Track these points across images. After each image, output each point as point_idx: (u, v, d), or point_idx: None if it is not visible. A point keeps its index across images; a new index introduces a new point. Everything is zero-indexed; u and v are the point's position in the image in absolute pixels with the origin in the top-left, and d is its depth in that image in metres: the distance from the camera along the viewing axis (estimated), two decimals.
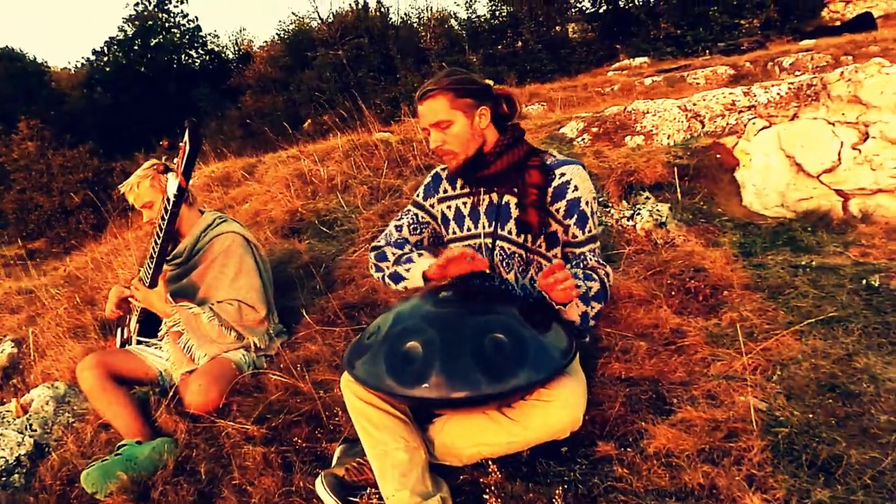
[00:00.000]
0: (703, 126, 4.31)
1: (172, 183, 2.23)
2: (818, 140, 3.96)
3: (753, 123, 4.16)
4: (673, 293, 2.84)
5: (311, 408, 2.33)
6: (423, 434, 1.88)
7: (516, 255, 2.03)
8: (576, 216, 1.96)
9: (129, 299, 2.81)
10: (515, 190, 2.00)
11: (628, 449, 1.97)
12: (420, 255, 2.03)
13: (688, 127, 4.32)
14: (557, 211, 1.97)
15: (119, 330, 3.03)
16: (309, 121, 13.21)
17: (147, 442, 2.35)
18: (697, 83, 8.09)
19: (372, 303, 3.10)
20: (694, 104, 4.37)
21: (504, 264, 2.05)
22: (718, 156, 4.18)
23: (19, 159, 13.09)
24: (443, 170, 2.22)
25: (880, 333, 2.40)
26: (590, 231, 1.98)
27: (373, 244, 2.23)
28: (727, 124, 4.23)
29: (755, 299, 2.73)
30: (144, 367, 2.71)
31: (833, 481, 1.77)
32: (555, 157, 2.05)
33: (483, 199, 2.09)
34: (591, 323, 1.88)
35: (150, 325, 2.84)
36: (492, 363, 1.64)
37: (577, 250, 1.99)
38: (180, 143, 2.14)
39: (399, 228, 2.21)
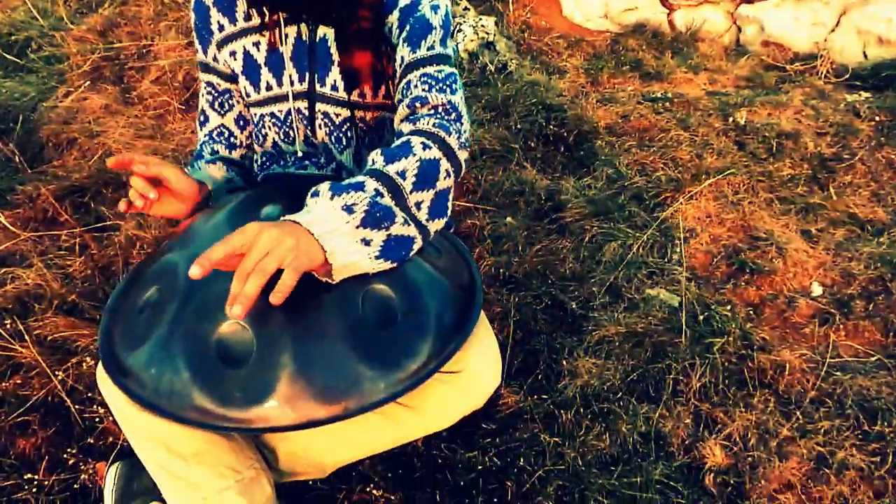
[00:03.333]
0: None
1: None
2: None
3: None
4: (531, 144, 2.26)
5: (45, 393, 1.43)
6: (256, 440, 1.14)
7: (351, 123, 1.20)
8: (408, 27, 1.12)
9: None
10: (335, 17, 1.14)
11: (544, 395, 1.45)
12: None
13: None
14: (390, 32, 1.15)
15: None
16: None
17: None
18: None
19: (113, 182, 2.07)
20: None
21: (334, 140, 1.22)
22: None
23: None
24: None
25: (767, 187, 2.09)
26: (431, 48, 1.11)
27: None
28: None
29: (626, 147, 2.26)
30: None
31: (786, 403, 1.45)
32: None
33: (286, 36, 1.19)
34: (430, 234, 0.98)
35: None
36: (379, 342, 0.92)
37: (403, 81, 1.11)
38: None
39: (205, 114, 1.27)
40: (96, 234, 1.90)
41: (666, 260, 1.83)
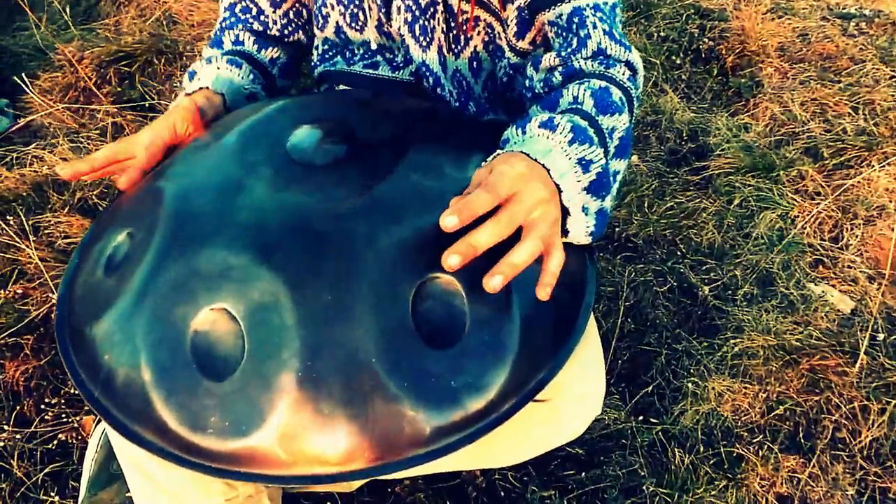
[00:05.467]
0: None
1: None
2: None
3: None
4: (677, 61, 1.76)
5: (46, 311, 1.19)
6: None
7: (437, 10, 0.84)
8: None
9: None
10: None
11: (653, 419, 1.09)
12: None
13: None
14: None
15: None
16: None
17: None
18: None
19: (168, 50, 1.76)
20: None
21: (418, 31, 0.86)
22: None
23: None
24: None
25: None
26: None
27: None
28: None
29: (802, 79, 1.73)
30: None
31: None
32: None
33: None
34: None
35: None
36: (432, 365, 0.56)
37: (558, 8, 0.79)
38: None
39: None
40: (138, 117, 1.61)
41: (841, 246, 1.37)
